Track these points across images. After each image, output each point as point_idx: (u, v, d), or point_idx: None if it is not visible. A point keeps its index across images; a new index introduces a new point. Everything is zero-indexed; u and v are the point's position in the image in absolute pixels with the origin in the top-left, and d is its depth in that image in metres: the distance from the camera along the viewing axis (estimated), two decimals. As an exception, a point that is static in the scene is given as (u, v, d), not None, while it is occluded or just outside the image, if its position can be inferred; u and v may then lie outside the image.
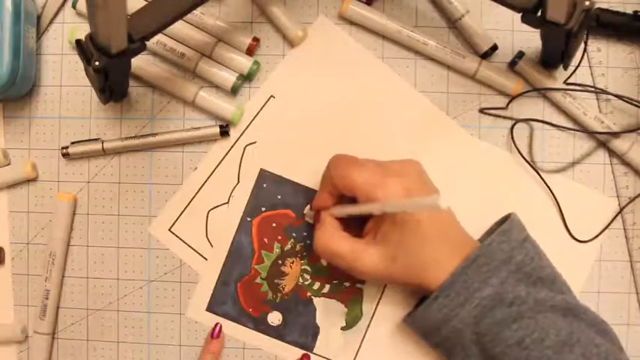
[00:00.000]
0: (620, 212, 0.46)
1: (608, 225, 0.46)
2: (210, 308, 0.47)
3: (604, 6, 0.46)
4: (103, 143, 0.47)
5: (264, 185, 0.47)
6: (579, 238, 0.46)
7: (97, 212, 0.47)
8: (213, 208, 0.47)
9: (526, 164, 0.46)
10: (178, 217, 0.47)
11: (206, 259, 0.47)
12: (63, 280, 0.47)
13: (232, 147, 0.47)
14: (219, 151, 0.47)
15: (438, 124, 0.47)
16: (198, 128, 0.47)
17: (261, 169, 0.47)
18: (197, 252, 0.47)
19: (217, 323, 0.46)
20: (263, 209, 0.47)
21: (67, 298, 0.48)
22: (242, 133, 0.47)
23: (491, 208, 0.46)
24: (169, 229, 0.47)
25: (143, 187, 0.47)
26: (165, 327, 0.47)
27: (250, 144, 0.47)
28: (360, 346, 0.46)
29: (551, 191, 0.46)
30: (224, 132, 0.46)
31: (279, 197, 0.47)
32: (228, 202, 0.47)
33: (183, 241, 0.47)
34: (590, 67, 0.47)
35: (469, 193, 0.46)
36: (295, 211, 0.47)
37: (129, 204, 0.47)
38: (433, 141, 0.47)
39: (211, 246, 0.47)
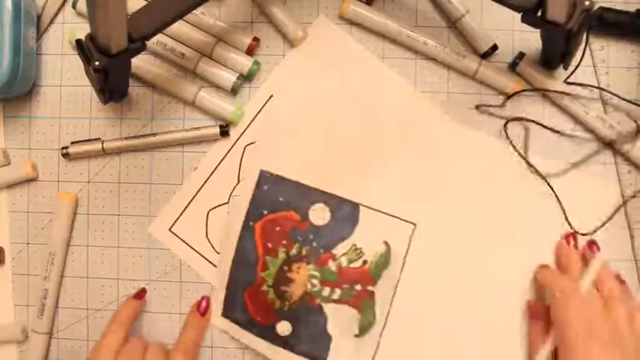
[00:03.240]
0: (619, 207, 0.46)
1: (609, 219, 0.45)
2: (225, 314, 0.46)
3: (607, 5, 0.45)
4: (103, 143, 0.47)
5: (265, 187, 0.46)
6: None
7: (97, 212, 0.47)
8: (213, 208, 0.47)
9: (526, 164, 0.46)
10: (178, 217, 0.47)
11: (206, 259, 0.47)
12: (62, 279, 0.47)
13: (232, 147, 0.47)
14: (219, 151, 0.47)
15: (437, 124, 0.47)
16: (198, 128, 0.47)
17: (261, 170, 0.46)
18: (197, 252, 0.47)
19: (204, 297, 0.46)
20: (265, 212, 0.46)
21: (67, 298, 0.48)
22: (242, 133, 0.47)
23: (491, 207, 0.46)
24: (169, 229, 0.47)
25: (143, 187, 0.47)
26: (165, 327, 0.47)
27: (250, 144, 0.47)
28: (375, 354, 0.44)
29: (553, 191, 0.46)
30: (224, 132, 0.46)
31: (280, 199, 0.46)
32: (228, 202, 0.47)
33: (183, 241, 0.47)
34: (593, 65, 0.46)
35: (469, 193, 0.46)
36: (299, 212, 0.45)
37: (129, 204, 0.47)
38: (433, 141, 0.46)
39: (212, 246, 0.47)
